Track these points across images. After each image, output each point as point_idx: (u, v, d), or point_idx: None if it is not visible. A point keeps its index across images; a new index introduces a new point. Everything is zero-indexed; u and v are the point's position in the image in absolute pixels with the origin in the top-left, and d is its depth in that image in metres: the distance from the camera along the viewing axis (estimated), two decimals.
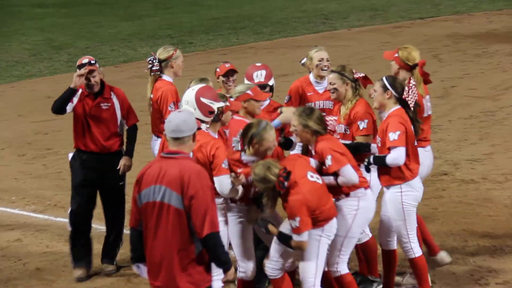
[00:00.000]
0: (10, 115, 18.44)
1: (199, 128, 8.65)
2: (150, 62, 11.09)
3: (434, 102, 9.88)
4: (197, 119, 8.55)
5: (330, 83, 9.77)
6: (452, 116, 15.62)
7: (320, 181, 8.90)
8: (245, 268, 9.48)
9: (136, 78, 20.67)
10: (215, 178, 8.68)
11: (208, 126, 9.07)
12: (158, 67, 11.07)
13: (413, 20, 25.64)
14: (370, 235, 9.87)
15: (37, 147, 16.22)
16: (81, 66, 10.64)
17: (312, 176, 8.91)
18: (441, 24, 25.25)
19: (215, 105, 9.09)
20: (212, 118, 8.93)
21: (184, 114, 7.16)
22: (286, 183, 8.69)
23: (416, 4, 28.96)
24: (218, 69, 10.98)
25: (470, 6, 28.12)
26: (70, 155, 10.88)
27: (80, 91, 10.81)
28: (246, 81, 10.18)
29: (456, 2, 29.28)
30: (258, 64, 10.27)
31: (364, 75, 10.02)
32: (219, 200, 8.98)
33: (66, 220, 12.46)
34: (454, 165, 13.64)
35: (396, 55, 10.32)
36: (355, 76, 9.87)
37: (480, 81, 18.96)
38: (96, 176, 10.66)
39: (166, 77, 10.92)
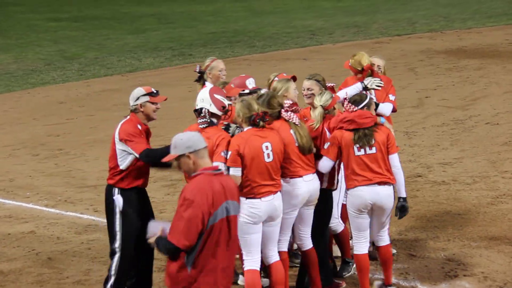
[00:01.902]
0: (25, 118, 18.46)
1: (211, 124, 9.16)
2: (195, 71, 10.89)
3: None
4: (211, 113, 9.12)
5: (308, 89, 9.81)
6: (426, 124, 15.65)
7: (268, 160, 8.99)
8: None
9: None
10: (214, 164, 8.25)
11: (218, 120, 9.22)
12: (199, 76, 10.91)
13: (391, 36, 25.68)
14: (343, 225, 10.00)
15: (49, 148, 16.24)
16: (153, 93, 9.34)
17: (267, 148, 9.05)
18: (416, 41, 25.34)
19: (226, 102, 9.25)
20: (223, 112, 9.08)
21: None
22: (260, 121, 8.94)
23: (394, 22, 29.01)
24: (276, 78, 10.45)
25: (443, 25, 28.21)
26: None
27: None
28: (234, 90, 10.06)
29: (430, 21, 29.38)
30: (243, 75, 10.24)
31: (332, 85, 10.15)
32: None
33: (75, 214, 12.54)
34: (427, 168, 13.70)
35: (349, 63, 10.65)
36: (326, 85, 10.00)
37: (451, 92, 18.99)
38: None
39: (208, 85, 10.55)
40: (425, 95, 18.41)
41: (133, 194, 8.71)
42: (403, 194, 9.46)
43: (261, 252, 9.27)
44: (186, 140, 6.57)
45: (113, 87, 21.32)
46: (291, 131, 9.30)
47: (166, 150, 8.01)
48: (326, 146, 9.38)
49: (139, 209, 8.75)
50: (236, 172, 8.96)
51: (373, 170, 9.26)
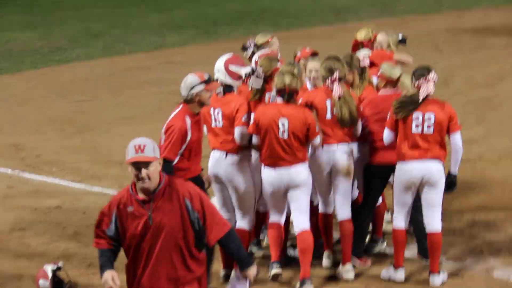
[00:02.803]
0: (51, 95, 18.53)
1: (230, 91, 9.42)
2: (248, 46, 10.76)
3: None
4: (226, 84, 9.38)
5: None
6: (452, 102, 15.57)
7: (283, 136, 9.17)
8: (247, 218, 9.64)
9: (164, 64, 20.72)
10: (235, 128, 9.12)
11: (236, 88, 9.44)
12: (254, 51, 10.68)
13: (418, 14, 25.61)
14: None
15: (75, 125, 16.29)
16: (208, 81, 8.93)
17: (283, 125, 9.19)
18: (443, 19, 25.21)
19: (243, 71, 9.27)
20: (240, 81, 9.23)
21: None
22: (285, 95, 9.13)
23: (420, 0, 28.96)
24: (298, 53, 10.57)
25: (470, 2, 28.08)
26: None
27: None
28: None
29: None
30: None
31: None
32: (245, 153, 9.52)
33: (101, 189, 12.60)
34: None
35: None
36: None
37: (477, 70, 18.96)
38: None
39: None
40: (450, 73, 18.39)
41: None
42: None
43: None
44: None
45: (137, 64, 21.37)
46: (327, 102, 9.41)
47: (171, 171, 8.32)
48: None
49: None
50: (255, 138, 9.27)
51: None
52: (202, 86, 8.62)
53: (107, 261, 6.10)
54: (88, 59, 21.75)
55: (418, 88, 9.15)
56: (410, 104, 9.16)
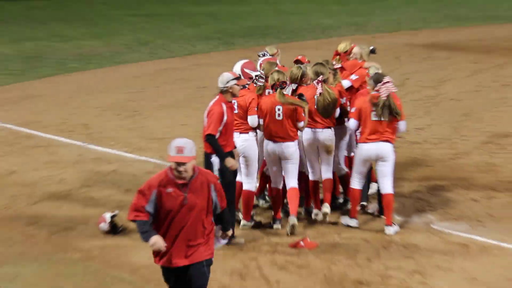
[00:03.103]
0: (110, 87, 18.51)
1: (245, 87, 9.37)
2: (263, 54, 10.64)
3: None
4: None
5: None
6: (406, 99, 15.57)
7: (279, 118, 9.30)
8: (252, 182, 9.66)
9: (193, 66, 20.72)
10: (249, 116, 9.23)
11: (247, 85, 9.44)
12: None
13: (383, 33, 25.47)
14: (346, 170, 10.07)
15: (127, 110, 16.31)
16: (239, 78, 9.02)
17: (278, 109, 9.31)
18: (401, 37, 25.05)
19: (253, 74, 9.45)
20: (250, 82, 9.28)
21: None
22: (277, 88, 9.25)
23: (385, 22, 28.74)
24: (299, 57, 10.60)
25: (421, 25, 27.96)
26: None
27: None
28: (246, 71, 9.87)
29: (412, 22, 29.06)
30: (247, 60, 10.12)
31: (340, 66, 10.42)
32: (253, 133, 9.53)
33: (146, 158, 12.69)
34: (407, 132, 13.70)
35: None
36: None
37: (425, 76, 18.91)
38: None
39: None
40: (406, 77, 18.37)
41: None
42: None
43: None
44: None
45: (173, 66, 21.31)
46: (315, 96, 9.49)
47: (219, 148, 8.66)
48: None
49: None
50: (259, 119, 9.44)
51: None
52: (234, 81, 8.71)
53: (149, 229, 6.02)
54: (137, 61, 21.74)
55: (378, 90, 9.24)
56: (382, 105, 9.28)
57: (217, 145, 8.59)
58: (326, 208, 9.69)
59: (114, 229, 9.49)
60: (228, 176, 8.87)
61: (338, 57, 10.92)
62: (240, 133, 9.39)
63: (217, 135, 8.65)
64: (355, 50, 10.72)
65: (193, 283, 6.19)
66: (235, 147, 9.05)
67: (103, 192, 11.05)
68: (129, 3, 35.98)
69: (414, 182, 11.26)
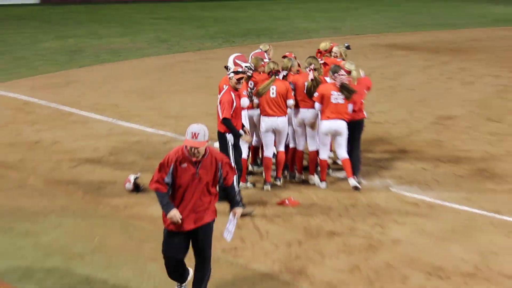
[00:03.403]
0: (135, 75, 18.39)
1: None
2: (259, 50, 10.56)
3: None
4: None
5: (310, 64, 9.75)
6: (372, 88, 15.48)
7: (273, 96, 9.36)
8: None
9: (202, 59, 20.56)
10: (241, 99, 9.01)
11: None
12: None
13: (355, 35, 25.44)
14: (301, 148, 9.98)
15: (147, 93, 16.06)
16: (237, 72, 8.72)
17: (273, 89, 9.40)
18: (369, 38, 25.06)
19: (243, 65, 9.37)
20: (242, 71, 8.95)
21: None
22: (272, 75, 9.47)
23: (356, 27, 28.70)
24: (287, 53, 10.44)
25: (385, 29, 27.94)
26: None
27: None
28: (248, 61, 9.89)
29: (377, 27, 29.08)
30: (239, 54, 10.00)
31: (323, 62, 10.39)
32: (257, 112, 9.61)
33: (164, 132, 12.53)
34: (371, 114, 13.68)
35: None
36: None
37: (387, 69, 18.91)
38: None
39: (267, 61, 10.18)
40: (372, 71, 18.39)
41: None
42: None
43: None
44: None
45: (186, 59, 21.23)
46: (306, 83, 9.50)
47: (234, 128, 8.55)
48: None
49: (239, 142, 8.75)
50: (255, 99, 9.45)
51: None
52: (232, 74, 8.57)
53: (169, 202, 5.98)
54: (157, 55, 21.60)
55: (334, 79, 9.40)
56: (344, 88, 9.38)
57: (232, 126, 8.52)
58: (313, 179, 9.84)
59: (137, 188, 9.50)
60: (239, 150, 8.86)
61: (319, 54, 10.91)
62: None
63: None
64: (335, 49, 10.71)
65: (200, 242, 6.15)
66: (243, 126, 8.92)
67: (128, 159, 11.03)
68: (151, 8, 35.93)
69: (377, 154, 11.26)
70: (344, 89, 9.34)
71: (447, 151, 11.36)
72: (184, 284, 6.41)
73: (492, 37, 25.11)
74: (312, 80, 9.46)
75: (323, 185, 9.65)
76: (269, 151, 9.64)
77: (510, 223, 8.37)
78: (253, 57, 10.06)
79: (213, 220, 6.23)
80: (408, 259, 7.42)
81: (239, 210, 6.30)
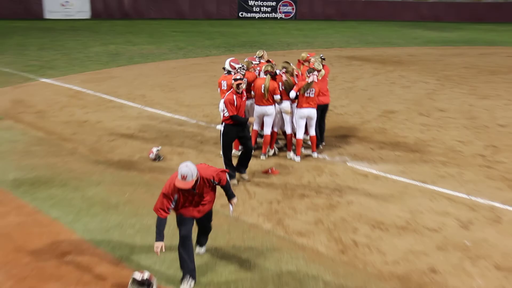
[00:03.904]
0: (159, 73, 18.22)
1: (230, 73, 9.19)
2: (257, 58, 10.23)
3: (330, 83, 10.08)
4: (228, 71, 9.15)
5: (284, 67, 9.57)
6: (335, 88, 15.39)
7: (263, 91, 9.14)
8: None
9: (210, 63, 20.34)
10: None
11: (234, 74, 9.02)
12: (258, 60, 10.20)
13: (324, 48, 25.28)
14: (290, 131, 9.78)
15: (167, 88, 15.87)
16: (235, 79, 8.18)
17: (263, 86, 9.13)
18: (334, 51, 24.88)
19: (236, 66, 9.21)
20: (234, 72, 8.92)
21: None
22: (268, 74, 9.19)
23: (324, 42, 28.54)
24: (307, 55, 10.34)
25: (346, 45, 27.75)
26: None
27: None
28: (242, 64, 9.57)
29: (340, 43, 28.92)
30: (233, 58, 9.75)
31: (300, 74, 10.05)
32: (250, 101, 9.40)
33: (178, 116, 12.28)
34: (335, 107, 13.63)
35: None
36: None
37: (347, 75, 18.81)
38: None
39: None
40: (336, 76, 18.29)
41: (231, 126, 8.15)
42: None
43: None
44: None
45: (197, 62, 21.04)
46: (280, 83, 9.34)
47: (240, 119, 8.10)
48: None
49: (234, 134, 8.21)
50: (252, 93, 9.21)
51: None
52: (232, 81, 8.09)
53: (162, 231, 5.20)
54: (176, 59, 21.37)
55: (308, 77, 9.33)
56: (308, 85, 9.30)
57: (238, 118, 8.15)
58: (290, 154, 9.74)
59: (158, 158, 9.42)
60: (249, 132, 8.42)
61: (299, 63, 10.76)
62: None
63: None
64: (312, 59, 10.62)
65: (203, 222, 5.82)
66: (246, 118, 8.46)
67: (152, 135, 10.93)
68: (173, 24, 35.68)
69: (337, 137, 11.19)
70: (308, 85, 9.34)
71: (389, 136, 11.32)
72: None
73: (423, 54, 25.05)
74: (285, 80, 9.37)
75: (297, 158, 9.60)
76: (265, 131, 9.54)
77: (432, 190, 8.38)
78: (246, 60, 9.96)
79: (212, 207, 5.78)
80: (358, 215, 7.42)
81: (235, 200, 5.81)
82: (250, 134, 8.97)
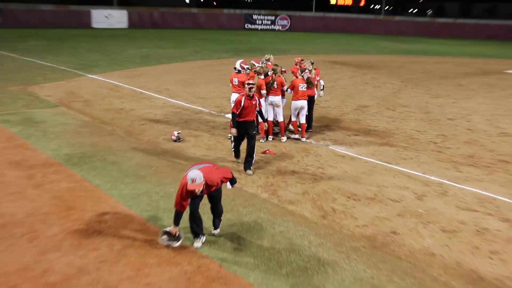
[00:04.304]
0: (180, 72, 18.03)
1: (241, 72, 8.85)
2: (264, 61, 9.84)
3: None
4: (239, 70, 8.85)
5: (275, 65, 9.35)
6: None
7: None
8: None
9: (221, 64, 20.13)
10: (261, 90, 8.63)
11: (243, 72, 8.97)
12: (264, 62, 9.82)
13: (313, 54, 24.97)
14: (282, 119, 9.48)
15: (187, 83, 15.65)
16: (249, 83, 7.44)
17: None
18: (321, 57, 24.61)
19: (245, 66, 8.99)
20: (244, 70, 8.71)
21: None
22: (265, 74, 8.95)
23: (299, 51, 28.22)
24: (269, 63, 9.84)
25: (330, 52, 27.39)
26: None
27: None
28: (248, 64, 9.33)
29: (325, 50, 28.52)
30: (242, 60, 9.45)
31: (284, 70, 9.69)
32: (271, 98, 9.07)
33: (195, 106, 12.10)
34: (320, 102, 13.47)
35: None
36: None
37: (332, 76, 18.59)
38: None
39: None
40: (321, 76, 18.25)
41: (239, 122, 7.58)
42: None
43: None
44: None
45: (211, 64, 20.91)
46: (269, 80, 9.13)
47: (234, 120, 7.43)
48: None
49: (242, 130, 7.62)
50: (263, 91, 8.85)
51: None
52: (246, 85, 7.36)
53: (178, 220, 5.04)
54: (194, 60, 21.18)
55: (302, 76, 9.21)
56: (308, 81, 9.23)
57: (233, 117, 7.47)
58: (283, 139, 9.58)
59: (178, 139, 9.30)
60: (255, 131, 7.73)
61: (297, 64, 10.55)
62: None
63: (238, 112, 7.49)
64: (304, 63, 10.42)
65: (213, 196, 5.37)
66: (251, 119, 7.59)
67: (174, 121, 10.80)
68: (192, 33, 35.42)
69: (322, 126, 11.06)
70: (308, 82, 9.26)
71: (363, 126, 11.21)
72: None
73: (390, 60, 24.78)
74: (270, 79, 9.18)
75: (284, 140, 9.50)
76: (269, 117, 9.36)
77: (395, 169, 8.31)
78: (251, 61, 9.76)
79: (221, 185, 5.38)
80: (337, 188, 7.35)
81: (235, 184, 5.48)
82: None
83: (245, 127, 7.55)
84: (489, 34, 40.81)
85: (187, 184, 4.88)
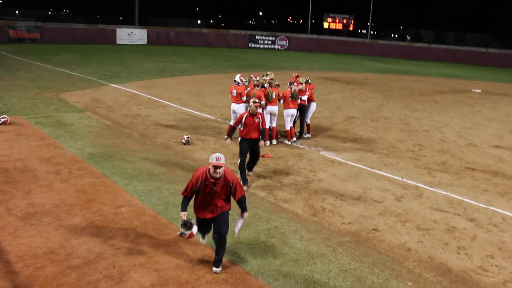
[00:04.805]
0: (191, 83, 17.84)
1: (240, 85, 8.68)
2: (264, 74, 9.72)
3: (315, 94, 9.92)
4: (238, 82, 8.69)
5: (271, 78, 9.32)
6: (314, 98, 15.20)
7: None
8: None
9: (226, 78, 20.02)
10: (242, 97, 8.49)
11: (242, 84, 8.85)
12: (264, 78, 9.73)
13: (308, 70, 24.89)
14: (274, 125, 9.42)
15: (196, 93, 15.58)
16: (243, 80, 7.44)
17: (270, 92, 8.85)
18: (315, 73, 24.46)
19: (243, 79, 8.89)
20: (242, 83, 8.61)
21: None
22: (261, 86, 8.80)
23: (295, 68, 28.09)
24: (268, 77, 9.68)
25: (322, 69, 27.28)
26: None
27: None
28: (253, 78, 9.26)
29: (319, 67, 28.36)
30: (240, 74, 9.32)
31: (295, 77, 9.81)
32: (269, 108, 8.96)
33: (203, 114, 12.03)
34: (313, 113, 13.40)
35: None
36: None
37: (324, 91, 18.54)
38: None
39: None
40: (314, 91, 18.20)
41: (242, 139, 6.97)
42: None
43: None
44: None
45: (218, 77, 20.84)
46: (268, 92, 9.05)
47: (229, 131, 7.13)
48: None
49: (245, 148, 6.95)
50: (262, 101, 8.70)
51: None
52: (251, 103, 6.72)
53: (186, 205, 4.58)
54: (203, 74, 21.03)
55: (290, 88, 9.26)
56: (292, 95, 9.10)
57: (229, 130, 7.16)
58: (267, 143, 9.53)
59: (187, 143, 9.24)
60: (259, 147, 7.11)
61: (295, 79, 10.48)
62: (236, 104, 9.09)
63: (239, 127, 6.91)
64: (301, 79, 10.35)
65: (217, 222, 4.66)
66: (256, 137, 6.92)
67: (184, 126, 10.74)
68: (202, 50, 35.38)
69: (314, 134, 10.99)
70: (292, 95, 9.25)
71: (350, 135, 11.16)
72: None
73: (375, 78, 24.74)
74: (268, 91, 9.18)
75: (289, 143, 9.51)
76: (268, 124, 9.32)
77: (378, 174, 8.26)
78: (250, 75, 9.75)
79: (228, 210, 4.74)
80: (326, 189, 7.31)
81: (246, 214, 4.75)
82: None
83: (250, 144, 6.86)
84: (459, 58, 41.63)
85: (199, 173, 4.53)
